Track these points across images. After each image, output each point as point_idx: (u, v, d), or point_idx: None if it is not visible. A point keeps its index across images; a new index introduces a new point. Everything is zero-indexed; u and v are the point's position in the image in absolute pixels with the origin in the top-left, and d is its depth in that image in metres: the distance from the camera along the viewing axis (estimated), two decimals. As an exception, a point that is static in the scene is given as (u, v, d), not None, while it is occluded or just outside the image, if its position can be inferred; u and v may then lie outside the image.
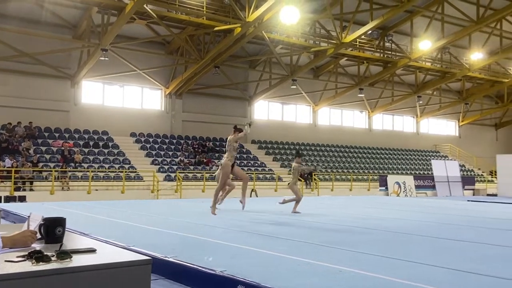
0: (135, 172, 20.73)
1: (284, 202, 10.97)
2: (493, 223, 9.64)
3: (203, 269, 4.49)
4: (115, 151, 22.36)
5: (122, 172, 19.76)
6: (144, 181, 20.38)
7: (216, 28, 20.94)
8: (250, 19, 19.80)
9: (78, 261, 2.10)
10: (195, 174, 22.10)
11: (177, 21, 21.32)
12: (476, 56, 28.63)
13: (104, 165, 20.85)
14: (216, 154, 25.15)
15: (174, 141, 25.20)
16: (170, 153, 23.91)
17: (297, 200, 10.88)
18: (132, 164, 21.57)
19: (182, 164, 22.96)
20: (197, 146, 25.06)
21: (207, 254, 5.39)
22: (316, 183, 24.73)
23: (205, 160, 23.82)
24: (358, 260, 5.21)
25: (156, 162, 22.58)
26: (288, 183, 11.21)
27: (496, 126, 40.38)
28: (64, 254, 2.14)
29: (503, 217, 10.84)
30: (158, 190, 19.61)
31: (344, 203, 14.74)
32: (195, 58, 22.75)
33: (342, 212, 11.27)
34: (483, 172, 35.15)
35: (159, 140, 24.84)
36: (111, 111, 24.11)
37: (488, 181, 31.79)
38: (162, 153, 23.67)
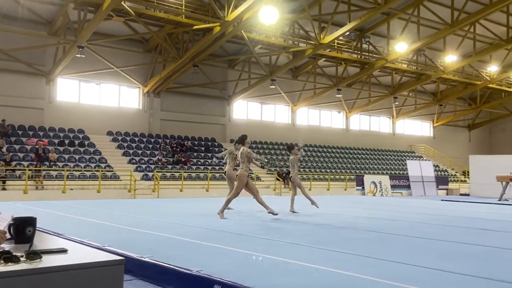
0: (112, 171, 20.45)
1: (311, 201, 10.85)
2: (465, 222, 9.84)
3: (179, 269, 4.46)
4: (91, 149, 22.02)
5: (98, 171, 19.47)
6: (121, 180, 20.12)
7: (195, 27, 20.81)
8: (229, 18, 19.75)
9: (48, 261, 2.05)
10: (173, 173, 21.93)
11: (156, 19, 21.10)
12: (450, 59, 29.17)
13: (79, 164, 20.51)
14: (195, 154, 25.02)
15: (152, 140, 24.95)
16: (148, 152, 23.67)
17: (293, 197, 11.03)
18: (108, 163, 21.28)
19: (160, 163, 22.76)
20: (175, 145, 24.87)
21: (183, 254, 5.36)
22: (294, 183, 24.81)
23: (183, 160, 23.67)
24: (334, 259, 5.25)
25: (134, 161, 22.32)
26: (290, 177, 11.21)
27: (469, 128, 41.25)
28: (34, 255, 2.08)
29: (475, 216, 11.08)
30: (135, 190, 19.39)
31: (322, 202, 14.82)
32: (173, 56, 22.58)
33: (319, 211, 11.35)
34: (456, 172, 35.87)
35: (136, 139, 24.57)
36: (87, 109, 23.73)
37: (461, 181, 32.45)
38: (140, 152, 23.42)
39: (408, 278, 4.34)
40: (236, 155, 10.69)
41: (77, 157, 20.97)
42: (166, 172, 21.85)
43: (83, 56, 20.41)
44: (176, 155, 23.80)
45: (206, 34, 21.23)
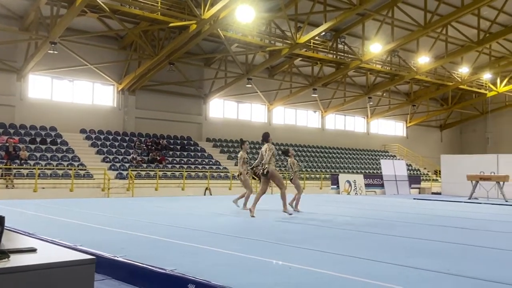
0: (85, 169, 20.12)
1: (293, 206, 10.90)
2: (436, 220, 10.05)
3: (153, 268, 4.42)
4: (64, 148, 21.61)
5: (71, 169, 19.12)
6: (94, 179, 19.81)
7: (171, 24, 20.63)
8: (206, 16, 19.66)
9: (16, 261, 2.01)
10: (148, 172, 21.72)
11: (131, 16, 20.84)
12: (423, 60, 29.74)
13: (52, 162, 20.09)
14: (170, 152, 24.83)
15: (127, 138, 24.65)
16: (122, 150, 23.37)
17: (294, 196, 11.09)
18: (81, 161, 20.92)
19: (134, 162, 22.50)
20: (150, 143, 24.63)
21: (157, 253, 5.31)
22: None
23: (158, 158, 23.46)
24: (308, 257, 5.29)
25: (108, 159, 22.01)
26: (291, 179, 11.22)
27: (441, 128, 42.15)
28: (1, 254, 2.03)
29: (445, 215, 11.33)
30: (109, 189, 19.12)
31: (301, 202, 14.90)
32: (149, 54, 22.34)
33: (294, 210, 11.41)
34: (428, 171, 36.61)
35: (110, 137, 24.22)
36: (60, 107, 23.27)
37: (433, 180, 33.13)
38: (114, 150, 23.10)
39: (380, 275, 4.41)
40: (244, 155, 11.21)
41: (49, 155, 20.55)
42: (141, 170, 21.62)
43: (55, 52, 20.01)
44: (151, 154, 23.57)
45: (182, 32, 21.09)
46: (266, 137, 10.15)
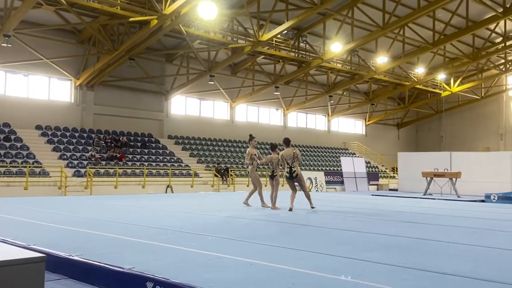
0: (41, 167, 19.46)
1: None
2: (393, 215, 10.32)
3: (110, 267, 4.32)
4: (18, 144, 20.82)
5: (25, 167, 18.44)
6: (50, 177, 19.20)
7: (131, 19, 20.21)
8: (167, 11, 19.37)
9: (-39, 261, 1.90)
10: (107, 169, 21.24)
11: (89, 9, 20.27)
12: (381, 60, 30.48)
13: (5, 159, 19.32)
14: (130, 149, 24.37)
15: (85, 135, 24.01)
16: (80, 147, 22.75)
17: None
18: (37, 158, 20.22)
19: (93, 159, 21.96)
20: (109, 140, 24.09)
21: (115, 251, 5.20)
22: (232, 179, 24.89)
23: (118, 155, 22.98)
24: (268, 253, 5.31)
25: (65, 157, 21.36)
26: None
27: (398, 126, 43.35)
28: None
29: (401, 210, 11.65)
30: (66, 187, 18.58)
31: (256, 198, 14.96)
32: (108, 48, 21.82)
33: (255, 206, 11.45)
34: (386, 168, 37.57)
35: (68, 133, 23.52)
36: (14, 102, 22.39)
37: (390, 177, 34.03)
38: (71, 147, 22.45)
39: (337, 269, 4.48)
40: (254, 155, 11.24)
41: (2, 152, 19.77)
42: (99, 168, 21.13)
43: (9, 45, 19.25)
44: (109, 151, 23.06)
45: (143, 27, 20.72)
46: (288, 143, 10.97)
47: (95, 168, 20.83)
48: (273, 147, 11.34)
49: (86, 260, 4.56)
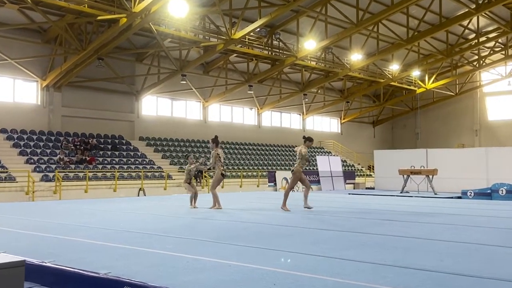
0: (6, 172, 18.99)
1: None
2: (370, 213, 10.49)
3: (85, 273, 4.27)
4: (-19, 149, 20.26)
5: (-10, 172, 17.98)
6: (17, 182, 18.75)
7: (99, 17, 19.92)
8: (137, 9, 19.17)
9: None
10: (76, 173, 20.89)
11: (55, 8, 19.86)
12: (356, 57, 30.91)
13: (-33, 165, 18.78)
14: (101, 152, 24.02)
15: (53, 138, 23.53)
16: (48, 151, 22.30)
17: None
18: (2, 163, 19.72)
19: (61, 163, 21.55)
20: (79, 143, 23.69)
21: (89, 256, 5.14)
22: (206, 180, 24.81)
23: (88, 159, 22.62)
24: (246, 254, 5.34)
25: (32, 161, 20.90)
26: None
27: (373, 124, 44.03)
28: None
29: (379, 208, 11.85)
30: (33, 192, 18.19)
31: (233, 199, 15.00)
32: (75, 48, 21.45)
33: (230, 208, 11.46)
34: (362, 167, 38.10)
35: (34, 137, 23.02)
36: (-24, 105, 21.79)
37: (367, 175, 34.53)
38: (39, 151, 21.98)
39: (317, 268, 4.55)
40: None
41: (-36, 157, 19.19)
42: (69, 172, 20.77)
43: (-31, 45, 18.69)
44: (78, 154, 22.68)
45: (112, 26, 20.45)
46: (310, 140, 11.23)
47: (64, 172, 20.46)
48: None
49: (60, 266, 4.49)
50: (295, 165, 10.96)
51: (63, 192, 18.85)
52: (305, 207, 10.99)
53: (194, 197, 11.57)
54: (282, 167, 30.38)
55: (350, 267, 4.66)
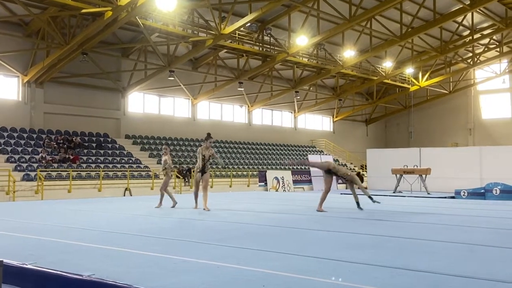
0: (-14, 171, 18.79)
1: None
2: (362, 213, 10.55)
3: (68, 275, 4.24)
4: (-40, 147, 20.04)
5: (-32, 171, 17.77)
6: (-3, 181, 18.58)
7: (83, 11, 19.75)
8: (122, 2, 19.03)
9: None
10: (59, 172, 20.72)
11: (37, 0, 19.69)
12: (348, 54, 31.01)
13: None
14: (85, 151, 23.86)
15: (34, 135, 23.32)
16: (30, 149, 22.09)
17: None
18: (-19, 162, 19.52)
19: (44, 161, 21.37)
20: (62, 141, 23.50)
21: (72, 258, 5.10)
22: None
23: (71, 157, 22.45)
24: (235, 255, 5.34)
25: (12, 159, 20.70)
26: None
27: (366, 122, 44.22)
28: None
29: (370, 208, 11.91)
30: (14, 192, 18.02)
31: (224, 199, 14.99)
32: (59, 42, 21.26)
33: (218, 208, 11.45)
34: (355, 166, 38.25)
35: (15, 134, 22.79)
36: (-46, 101, 21.52)
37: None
38: (20, 149, 21.77)
39: (309, 269, 4.56)
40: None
41: None
42: (51, 171, 20.60)
43: None
44: (60, 153, 22.50)
45: (97, 19, 20.30)
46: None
47: (46, 171, 20.29)
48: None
49: (41, 269, 4.45)
50: (349, 172, 11.41)
51: (45, 192, 18.69)
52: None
53: (167, 196, 11.46)
54: (273, 167, 30.41)
55: (341, 268, 4.68)
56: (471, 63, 37.57)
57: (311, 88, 36.06)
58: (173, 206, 11.37)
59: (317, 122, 40.29)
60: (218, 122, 32.59)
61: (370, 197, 11.16)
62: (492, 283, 4.11)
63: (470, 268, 4.70)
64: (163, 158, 12.03)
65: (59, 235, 6.82)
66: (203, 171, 10.80)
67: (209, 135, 11.09)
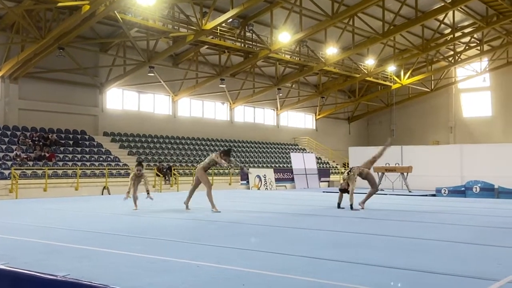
0: (-42, 169, 18.43)
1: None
2: (344, 212, 10.62)
3: (42, 275, 4.17)
4: None
5: None
6: (-31, 180, 18.23)
7: (59, 4, 19.46)
8: (101, -4, 18.84)
9: None
10: (35, 171, 20.42)
11: (12, -7, 19.37)
12: (331, 51, 31.17)
13: None
14: (61, 148, 23.54)
15: (8, 132, 22.93)
16: (3, 146, 21.73)
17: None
18: (-47, 160, 19.13)
19: (18, 159, 21.03)
20: (37, 138, 23.15)
21: (46, 258, 5.03)
22: (175, 178, 24.65)
23: (47, 155, 22.13)
24: (216, 254, 5.33)
25: (-14, 157, 20.34)
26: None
27: (348, 120, 44.55)
28: None
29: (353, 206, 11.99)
30: (-13, 190, 17.71)
31: (204, 198, 14.93)
32: (34, 37, 20.91)
33: (201, 207, 11.42)
34: (337, 164, 38.51)
35: (-11, 131, 22.40)
36: None
37: (342, 173, 34.83)
38: (-7, 146, 21.41)
39: (289, 268, 4.58)
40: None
41: None
42: (26, 169, 20.30)
43: None
44: (35, 151, 22.17)
45: (74, 13, 20.04)
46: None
47: (21, 169, 19.98)
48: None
49: (13, 269, 4.38)
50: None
51: (20, 190, 18.41)
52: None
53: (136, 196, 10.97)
54: (256, 165, 30.43)
55: (322, 266, 4.71)
56: (452, 61, 38.12)
57: (293, 86, 36.16)
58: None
59: (299, 119, 40.44)
60: (200, 119, 32.47)
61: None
62: (469, 280, 4.18)
63: (448, 265, 4.77)
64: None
65: (34, 235, 6.72)
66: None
67: (228, 152, 10.58)
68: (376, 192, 11.26)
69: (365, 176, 11.26)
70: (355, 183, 11.10)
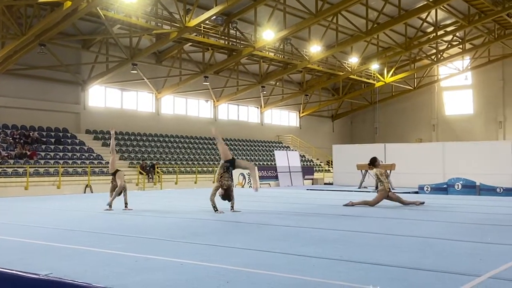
0: None
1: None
2: (328, 209, 10.70)
3: (23, 274, 4.13)
4: None
5: None
6: None
7: (40, 0, 19.21)
8: (83, -8, 18.64)
9: None
10: (16, 169, 20.15)
11: (-9, -12, 19.04)
12: (315, 49, 31.30)
13: None
14: (43, 146, 23.26)
15: (-12, 130, 22.60)
16: (-17, 144, 21.40)
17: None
18: None
19: (-2, 157, 20.74)
20: (18, 136, 22.85)
21: (28, 257, 4.98)
22: (159, 176, 24.52)
23: (28, 153, 21.85)
24: (200, 252, 5.33)
25: (-36, 155, 20.01)
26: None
27: (332, 118, 44.80)
28: None
29: (337, 204, 12.09)
30: (-33, 189, 17.43)
31: (188, 196, 14.92)
32: (14, 33, 20.60)
33: (184, 205, 11.40)
34: (321, 162, 38.73)
35: (-32, 129, 22.04)
36: None
37: (325, 170, 35.12)
38: (-28, 144, 21.07)
39: (273, 265, 4.60)
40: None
41: None
42: (7, 167, 20.02)
43: None
44: (16, 149, 21.87)
45: (55, 9, 19.79)
46: (373, 162, 11.51)
47: (1, 167, 19.72)
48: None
49: (-7, 269, 4.33)
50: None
51: (0, 189, 18.15)
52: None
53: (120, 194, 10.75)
54: (239, 162, 30.36)
55: (306, 263, 4.74)
56: (435, 59, 38.57)
57: (277, 83, 36.22)
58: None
59: (283, 117, 40.54)
60: (183, 117, 32.36)
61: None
62: (452, 276, 4.24)
63: (430, 261, 4.84)
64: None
65: (16, 234, 6.64)
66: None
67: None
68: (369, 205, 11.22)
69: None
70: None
